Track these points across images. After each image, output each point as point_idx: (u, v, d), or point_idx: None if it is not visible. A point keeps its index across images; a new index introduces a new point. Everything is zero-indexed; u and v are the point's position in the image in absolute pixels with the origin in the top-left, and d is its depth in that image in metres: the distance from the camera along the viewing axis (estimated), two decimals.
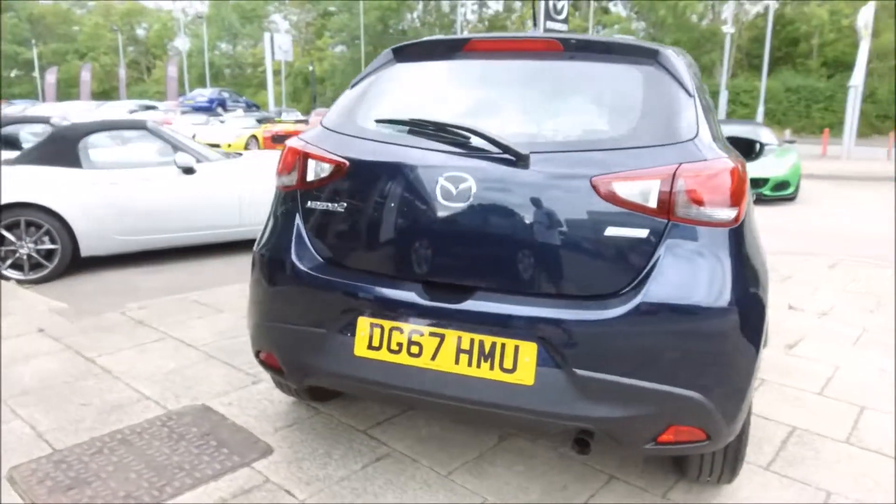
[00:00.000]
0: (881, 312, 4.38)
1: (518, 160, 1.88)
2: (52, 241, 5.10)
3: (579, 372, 1.79)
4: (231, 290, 4.62)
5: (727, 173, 1.86)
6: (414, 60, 2.40)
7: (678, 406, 1.80)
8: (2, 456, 2.37)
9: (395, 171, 2.03)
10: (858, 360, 3.50)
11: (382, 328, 1.97)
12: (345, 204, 2.08)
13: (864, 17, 15.02)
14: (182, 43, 54.10)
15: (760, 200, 9.76)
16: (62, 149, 5.43)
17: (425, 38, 2.43)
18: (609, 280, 1.83)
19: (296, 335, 2.12)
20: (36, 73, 48.97)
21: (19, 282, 4.87)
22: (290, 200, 2.22)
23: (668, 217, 1.81)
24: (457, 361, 1.89)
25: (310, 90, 50.66)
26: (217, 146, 11.86)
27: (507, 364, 1.84)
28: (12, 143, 7.12)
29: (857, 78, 14.84)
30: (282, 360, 2.20)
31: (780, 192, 10.10)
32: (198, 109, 30.10)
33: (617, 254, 1.82)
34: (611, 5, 46.25)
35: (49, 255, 5.10)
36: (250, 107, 34.60)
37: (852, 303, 4.61)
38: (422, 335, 1.93)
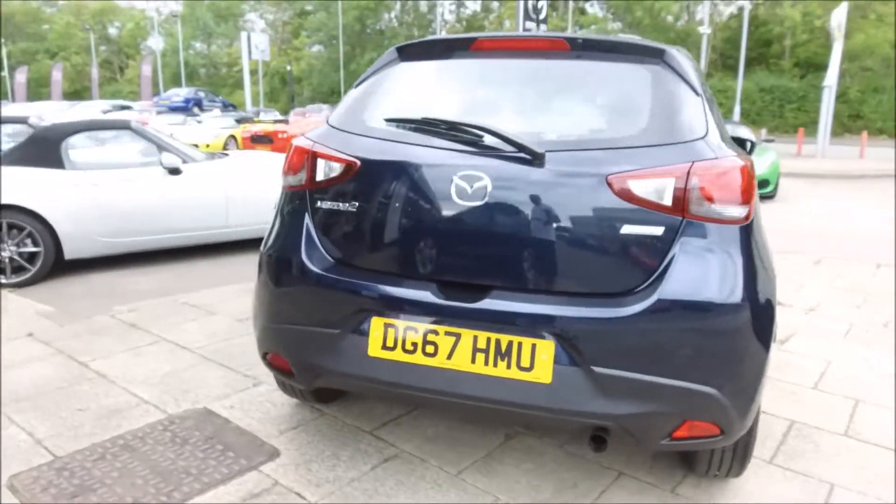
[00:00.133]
0: (867, 308, 4.47)
1: (534, 159, 1.88)
2: (35, 243, 4.99)
3: (597, 369, 1.80)
4: (221, 291, 4.57)
5: (738, 171, 1.88)
6: (419, 59, 2.39)
7: (694, 401, 1.82)
8: (1, 463, 2.32)
9: (409, 170, 2.02)
10: (849, 355, 3.57)
11: (397, 328, 1.96)
12: (356, 203, 2.06)
13: (837, 19, 15.33)
14: (156, 42, 53.33)
15: None
16: (44, 149, 5.31)
17: (430, 38, 2.43)
18: (625, 277, 1.84)
19: (306, 336, 2.10)
20: (5, 73, 47.85)
21: (1, 286, 4.76)
22: (297, 200, 2.20)
23: (682, 215, 1.82)
24: (473, 361, 1.89)
25: (287, 90, 50.28)
26: (195, 146, 11.72)
27: (525, 362, 1.85)
28: None
29: (831, 78, 15.15)
30: (291, 362, 2.18)
31: (760, 191, 10.26)
32: (174, 109, 29.67)
33: (633, 251, 1.84)
34: (587, 6, 46.60)
35: (32, 258, 4.99)
36: (227, 107, 34.23)
37: (838, 299, 4.70)
38: (437, 335, 1.92)
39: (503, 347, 1.86)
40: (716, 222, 1.85)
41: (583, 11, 44.81)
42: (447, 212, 1.94)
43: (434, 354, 1.92)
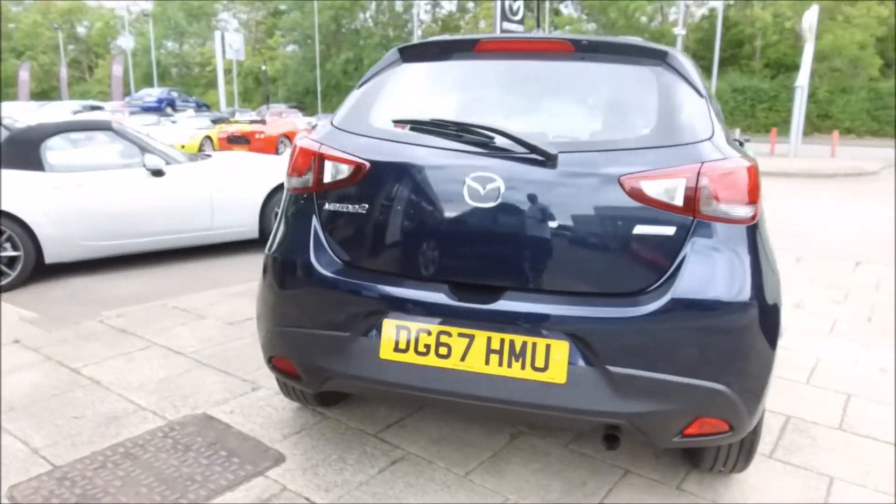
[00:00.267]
0: (849, 304, 4.58)
1: (547, 160, 1.89)
2: (14, 247, 4.87)
3: (612, 368, 1.81)
4: (209, 295, 4.51)
5: (745, 171, 1.92)
6: (421, 61, 2.38)
7: (706, 399, 1.84)
8: (1, 473, 2.26)
9: (419, 171, 2.01)
10: (836, 350, 3.65)
11: (409, 330, 1.96)
12: (366, 205, 2.05)
13: (809, 20, 15.66)
14: (126, 41, 52.45)
15: None
16: (23, 151, 5.19)
17: (432, 39, 2.42)
18: (638, 277, 1.86)
19: (316, 339, 2.08)
20: None
21: None
22: (304, 203, 2.18)
23: (693, 215, 1.85)
24: (487, 362, 1.89)
25: (261, 90, 49.75)
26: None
27: (539, 363, 1.85)
28: None
29: (803, 79, 15.47)
30: (299, 366, 2.16)
31: None
32: (146, 109, 29.25)
33: (645, 251, 1.85)
34: (562, 7, 46.92)
35: (11, 262, 4.87)
36: (200, 107, 33.78)
37: (821, 295, 4.80)
38: (450, 336, 1.92)
39: (517, 348, 1.87)
40: (725, 222, 1.87)
41: (557, 12, 45.11)
42: (460, 213, 1.94)
43: (447, 356, 1.92)
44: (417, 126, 2.09)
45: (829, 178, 13.85)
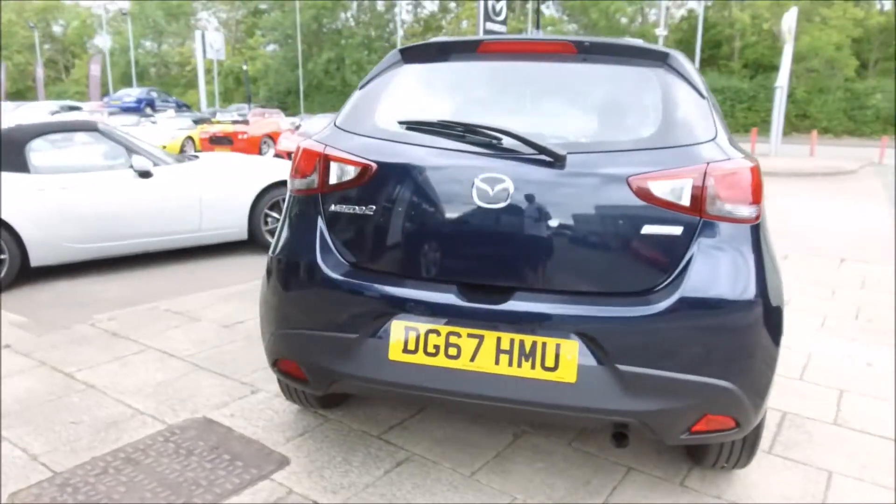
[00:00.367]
0: (836, 301, 4.66)
1: (555, 161, 1.90)
2: None
3: (622, 367, 1.83)
4: (201, 297, 4.47)
5: (749, 172, 1.95)
6: (423, 62, 2.39)
7: (713, 396, 1.87)
8: (0, 480, 2.22)
9: (428, 172, 2.01)
10: (827, 347, 3.71)
11: (418, 331, 1.96)
12: (373, 207, 2.05)
13: (788, 22, 15.89)
14: (103, 41, 51.73)
15: None
16: (7, 152, 5.09)
17: (434, 40, 2.42)
18: (646, 276, 1.88)
19: (323, 342, 2.08)
20: None
21: None
22: (309, 204, 2.17)
23: (699, 215, 1.87)
24: (497, 362, 1.90)
25: (241, 90, 49.36)
26: None
27: (549, 362, 1.86)
28: None
29: (783, 79, 15.70)
30: (306, 368, 2.15)
31: None
32: (125, 110, 28.87)
33: (653, 251, 1.88)
34: (543, 7, 47.10)
35: None
36: (181, 107, 33.45)
37: (809, 292, 4.87)
38: (460, 337, 1.93)
39: (527, 348, 1.88)
40: (730, 221, 1.90)
41: (539, 13, 45.25)
42: (469, 214, 1.94)
43: (457, 357, 1.93)
44: (424, 127, 2.09)
45: (809, 176, 14.07)
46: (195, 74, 41.96)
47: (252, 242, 6.08)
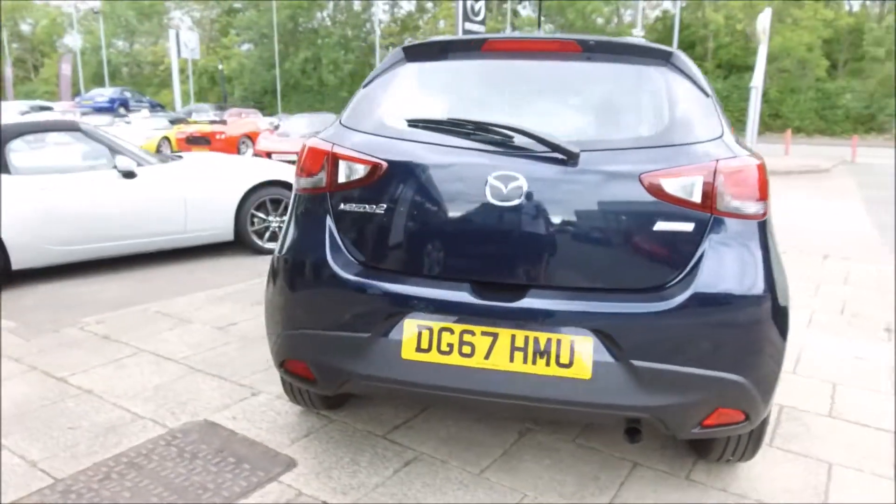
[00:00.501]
0: (822, 297, 4.75)
1: (569, 158, 1.91)
2: None
3: (636, 363, 1.84)
4: (191, 299, 4.41)
5: (756, 169, 1.97)
6: (427, 60, 2.38)
7: (725, 390, 1.89)
8: (0, 488, 2.17)
9: (440, 171, 2.01)
10: (816, 341, 3.78)
11: (431, 330, 1.95)
12: (384, 205, 2.04)
13: (763, 23, 16.15)
14: (74, 40, 50.73)
15: None
16: None
17: (437, 38, 2.42)
18: (659, 273, 1.89)
19: (334, 342, 2.06)
20: None
21: None
22: (317, 203, 2.15)
23: (710, 211, 1.89)
24: (511, 359, 1.90)
25: (216, 89, 48.81)
26: None
27: (564, 359, 1.87)
28: None
29: (757, 79, 15.93)
30: (315, 369, 2.13)
31: None
32: (98, 110, 28.37)
33: (666, 247, 1.89)
34: (520, 7, 47.33)
35: None
36: (155, 107, 32.93)
37: (794, 288, 4.91)
38: (474, 335, 1.92)
39: (542, 345, 1.88)
40: (739, 218, 1.93)
41: (516, 13, 45.51)
42: (482, 212, 1.94)
43: (471, 355, 1.93)
44: (434, 126, 2.08)
45: (785, 175, 14.32)
46: (168, 74, 41.31)
47: (238, 243, 6.01)
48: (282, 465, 2.35)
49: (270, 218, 6.15)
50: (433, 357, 1.95)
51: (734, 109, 31.55)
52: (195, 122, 20.29)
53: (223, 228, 5.96)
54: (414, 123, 2.11)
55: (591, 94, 2.24)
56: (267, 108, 40.89)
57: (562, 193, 1.91)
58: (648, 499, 2.23)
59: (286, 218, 2.29)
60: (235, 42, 53.69)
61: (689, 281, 1.87)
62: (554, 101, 2.26)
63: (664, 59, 2.20)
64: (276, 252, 2.23)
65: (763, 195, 1.97)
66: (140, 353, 3.39)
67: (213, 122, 20.68)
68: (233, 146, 18.28)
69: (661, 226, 1.88)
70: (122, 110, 30.15)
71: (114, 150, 5.46)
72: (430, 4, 50.01)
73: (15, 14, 57.73)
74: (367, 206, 2.06)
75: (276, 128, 18.19)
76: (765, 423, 2.21)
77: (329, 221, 2.12)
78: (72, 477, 2.26)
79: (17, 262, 4.87)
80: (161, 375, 3.12)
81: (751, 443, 2.24)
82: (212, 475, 2.28)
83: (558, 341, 1.88)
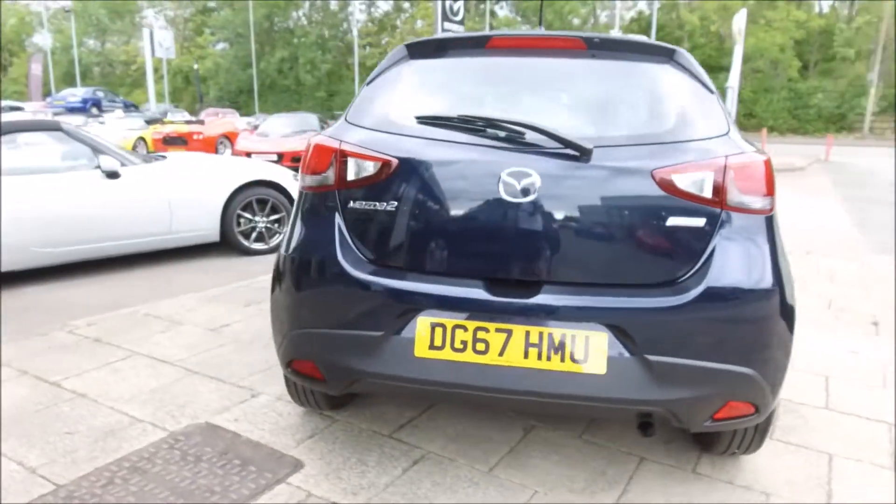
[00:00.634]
0: (807, 292, 4.83)
1: (581, 154, 1.91)
2: None
3: (651, 357, 1.85)
4: (181, 301, 4.34)
5: (763, 164, 2.00)
6: (432, 57, 2.37)
7: (737, 383, 1.91)
8: (0, 496, 2.11)
9: (452, 167, 2.00)
10: (807, 335, 3.84)
11: (445, 327, 1.94)
12: (395, 202, 2.02)
13: (738, 24, 16.43)
14: (44, 39, 49.71)
15: None
16: None
17: (441, 36, 2.42)
18: (672, 268, 1.91)
19: (344, 340, 2.04)
20: None
21: None
22: (325, 201, 2.13)
23: (721, 206, 1.91)
24: (526, 356, 1.90)
25: (191, 89, 48.24)
26: None
27: (579, 355, 1.88)
28: None
29: (734, 79, 16.20)
30: (325, 368, 2.11)
31: None
32: (70, 110, 27.83)
33: (678, 242, 1.91)
34: (497, 7, 47.48)
35: None
36: (128, 107, 32.41)
37: None
38: (488, 332, 1.92)
39: (556, 341, 1.89)
40: (748, 213, 1.95)
41: (493, 13, 45.64)
42: (495, 209, 1.94)
43: (485, 352, 1.92)
44: (444, 122, 2.07)
45: None
46: (141, 73, 40.69)
47: (225, 244, 5.94)
48: (289, 467, 2.32)
49: (257, 218, 6.09)
50: (447, 354, 1.94)
51: None
52: (171, 123, 20.01)
53: (209, 229, 5.88)
54: (423, 120, 2.09)
55: (597, 92, 2.24)
56: (243, 108, 40.49)
57: (575, 189, 1.92)
58: (657, 492, 2.24)
59: (291, 217, 2.26)
60: (210, 41, 53.08)
61: (701, 275, 1.88)
62: (560, 98, 2.27)
63: (668, 56, 2.22)
64: (282, 251, 2.21)
65: (770, 190, 2.00)
66: (134, 356, 3.32)
67: (189, 122, 20.42)
68: (211, 146, 18.07)
69: (673, 221, 1.90)
70: (94, 111, 29.65)
71: (97, 150, 5.35)
72: (406, 4, 49.92)
73: None
74: (377, 203, 2.04)
75: (256, 128, 18.02)
76: (771, 415, 2.23)
77: (338, 219, 2.10)
78: (74, 482, 2.21)
79: (3, 264, 4.75)
80: (157, 378, 3.06)
81: (757, 435, 2.27)
82: (218, 478, 2.24)
83: (573, 337, 1.88)
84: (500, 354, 1.91)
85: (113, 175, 5.27)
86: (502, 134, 2.00)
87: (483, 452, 2.45)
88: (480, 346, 1.92)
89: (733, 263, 1.90)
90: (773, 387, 1.98)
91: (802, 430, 2.71)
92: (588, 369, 1.87)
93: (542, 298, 1.90)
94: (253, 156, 13.25)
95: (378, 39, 50.21)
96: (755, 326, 1.93)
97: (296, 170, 7.40)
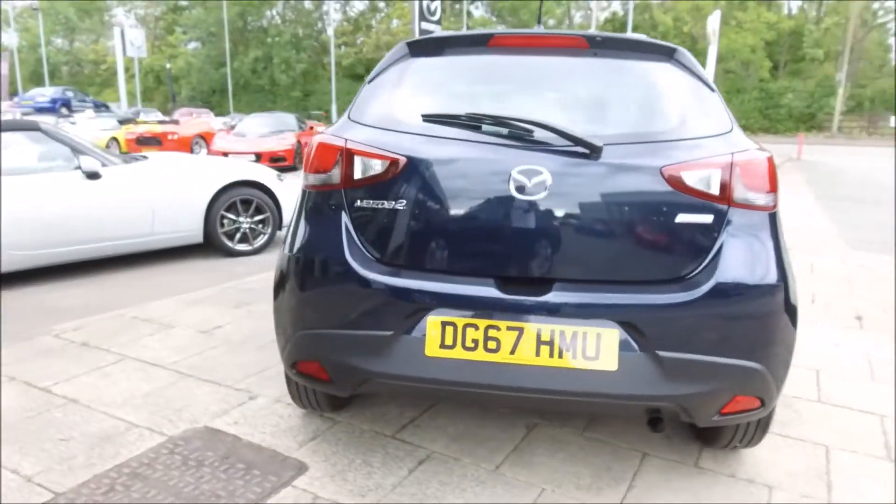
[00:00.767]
0: None
1: (591, 152, 1.92)
2: None
3: (662, 353, 1.87)
4: (168, 303, 4.27)
5: (767, 161, 2.03)
6: (433, 55, 2.36)
7: (745, 377, 1.93)
8: None
9: (461, 165, 1.99)
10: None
11: (455, 326, 1.93)
12: (404, 201, 2.01)
13: (712, 24, 16.70)
14: (10, 38, 48.53)
15: None
16: None
17: (443, 33, 2.41)
18: (682, 264, 1.92)
19: (353, 341, 2.02)
20: None
21: None
22: (330, 200, 2.10)
23: (728, 203, 1.94)
24: (537, 354, 1.90)
25: (162, 89, 47.52)
26: None
27: (590, 352, 1.88)
28: None
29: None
30: (332, 369, 2.09)
31: None
32: (39, 110, 27.21)
33: (687, 238, 1.92)
34: (472, 8, 47.57)
35: None
36: (99, 107, 31.79)
37: None
38: (499, 330, 1.92)
39: (568, 338, 1.89)
40: (753, 209, 1.98)
41: (470, 14, 45.70)
42: (506, 207, 1.94)
43: (496, 350, 1.92)
44: (451, 120, 2.06)
45: None
46: (111, 73, 39.96)
47: (208, 246, 5.86)
48: (293, 470, 2.29)
49: (241, 219, 6.02)
50: (458, 353, 1.93)
51: None
52: (144, 123, 19.68)
53: (192, 230, 5.79)
54: (430, 118, 2.08)
55: (600, 90, 2.25)
56: (216, 108, 39.99)
57: (585, 187, 1.92)
58: (662, 487, 2.26)
59: (293, 217, 2.23)
60: (182, 40, 52.35)
61: (710, 271, 1.90)
62: (563, 96, 2.27)
63: (669, 55, 2.24)
64: (286, 251, 2.18)
65: (773, 187, 2.03)
66: (124, 360, 3.26)
67: (163, 122, 20.11)
68: (186, 147, 17.81)
69: (682, 218, 1.91)
70: (64, 110, 29.02)
71: (77, 151, 5.24)
72: (382, 3, 49.74)
73: None
74: (385, 201, 2.03)
75: (232, 128, 17.81)
76: (773, 409, 2.26)
77: (345, 218, 2.07)
78: (73, 490, 2.15)
79: None
80: (150, 382, 3.00)
81: (759, 429, 2.30)
82: (222, 482, 2.20)
83: (584, 334, 1.88)
84: (512, 353, 1.91)
85: (93, 176, 5.16)
86: (511, 132, 2.00)
87: (488, 451, 2.45)
88: (492, 345, 1.92)
89: (741, 259, 1.92)
90: (778, 381, 2.01)
91: (798, 424, 2.75)
92: (600, 366, 1.88)
93: (553, 296, 1.90)
94: (230, 156, 13.10)
95: (353, 39, 49.97)
96: (762, 321, 1.95)
97: (279, 170, 7.33)
